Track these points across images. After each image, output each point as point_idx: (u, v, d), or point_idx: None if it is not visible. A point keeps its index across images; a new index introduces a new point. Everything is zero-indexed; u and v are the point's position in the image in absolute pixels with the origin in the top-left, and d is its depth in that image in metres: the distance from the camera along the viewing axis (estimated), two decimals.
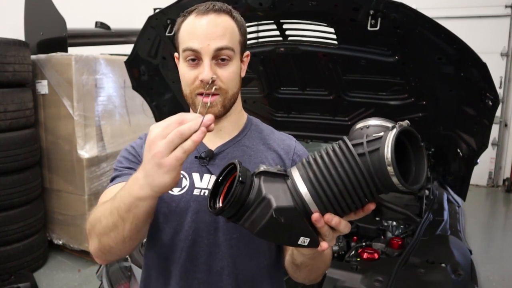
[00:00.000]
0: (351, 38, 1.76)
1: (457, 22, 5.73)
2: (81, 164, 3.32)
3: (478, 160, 1.93)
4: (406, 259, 1.63)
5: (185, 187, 0.93)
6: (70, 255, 3.57)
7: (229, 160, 0.93)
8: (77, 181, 3.37)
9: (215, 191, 0.74)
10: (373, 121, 0.72)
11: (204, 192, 0.92)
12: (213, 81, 0.86)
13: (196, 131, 0.66)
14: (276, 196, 0.68)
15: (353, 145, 0.67)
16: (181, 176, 0.94)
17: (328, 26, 1.73)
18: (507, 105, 6.32)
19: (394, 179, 0.63)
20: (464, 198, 2.18)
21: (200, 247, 0.92)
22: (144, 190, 0.71)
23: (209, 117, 0.68)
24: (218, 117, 0.92)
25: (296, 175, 0.71)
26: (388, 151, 0.62)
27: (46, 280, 3.19)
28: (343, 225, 0.71)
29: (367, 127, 0.71)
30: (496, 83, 1.94)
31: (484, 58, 1.49)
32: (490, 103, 1.56)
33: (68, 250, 3.59)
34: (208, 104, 0.85)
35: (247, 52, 0.98)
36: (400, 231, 2.05)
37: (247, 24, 0.97)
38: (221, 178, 0.75)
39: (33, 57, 3.31)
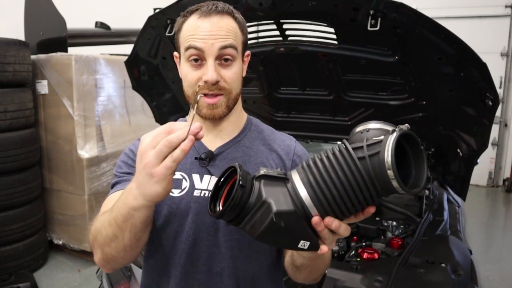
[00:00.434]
0: (351, 38, 1.76)
1: (457, 22, 5.73)
2: (81, 164, 3.32)
3: (478, 160, 1.93)
4: (406, 259, 1.63)
5: (185, 188, 0.93)
6: (70, 255, 3.57)
7: (229, 161, 0.94)
8: (77, 181, 3.37)
9: (215, 194, 0.74)
10: (373, 125, 0.72)
11: (204, 193, 0.92)
12: (217, 82, 0.86)
13: (184, 139, 0.66)
14: (276, 200, 0.68)
15: (353, 149, 0.67)
16: (181, 177, 0.94)
17: (328, 26, 1.73)
18: (507, 105, 6.32)
19: (394, 183, 0.63)
20: (464, 198, 2.18)
21: (201, 248, 0.92)
22: (137, 200, 0.72)
23: (197, 125, 0.68)
24: (222, 118, 0.93)
25: (296, 178, 0.71)
26: (388, 155, 0.62)
27: (46, 280, 3.19)
28: (343, 229, 0.71)
29: (367, 131, 0.72)
30: (496, 83, 1.94)
31: (484, 58, 1.48)
32: (490, 103, 1.56)
33: (68, 250, 3.59)
34: (196, 106, 0.83)
35: (248, 52, 0.98)
36: (400, 231, 2.05)
37: (247, 24, 0.97)
38: (221, 181, 0.75)
39: (33, 57, 3.31)
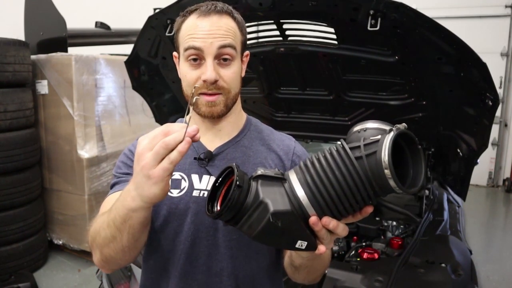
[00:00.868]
0: (351, 38, 1.76)
1: (457, 22, 5.73)
2: (81, 164, 3.31)
3: (478, 160, 1.93)
4: (406, 259, 1.63)
5: (184, 188, 0.93)
6: (70, 255, 3.57)
7: (229, 161, 0.94)
8: (77, 181, 3.36)
9: (213, 194, 0.74)
10: (371, 124, 0.72)
11: (203, 194, 0.92)
12: (215, 81, 0.86)
13: (181, 141, 0.67)
14: (273, 200, 0.68)
15: (351, 148, 0.67)
16: (180, 177, 0.94)
17: (328, 26, 1.73)
18: (507, 105, 6.31)
19: (391, 182, 0.63)
20: (464, 198, 2.18)
21: (200, 248, 0.92)
22: (135, 201, 0.72)
23: (194, 127, 0.68)
24: (220, 117, 0.93)
25: (293, 178, 0.71)
26: (385, 154, 0.62)
27: (46, 280, 3.18)
28: (341, 228, 0.71)
29: (365, 130, 0.71)
30: (496, 83, 1.94)
31: (484, 58, 1.48)
32: (490, 103, 1.56)
33: (68, 250, 3.59)
34: (193, 108, 0.84)
35: (247, 52, 0.98)
36: (400, 231, 2.05)
37: (247, 24, 0.97)
38: (218, 181, 0.75)
39: (33, 57, 3.31)
